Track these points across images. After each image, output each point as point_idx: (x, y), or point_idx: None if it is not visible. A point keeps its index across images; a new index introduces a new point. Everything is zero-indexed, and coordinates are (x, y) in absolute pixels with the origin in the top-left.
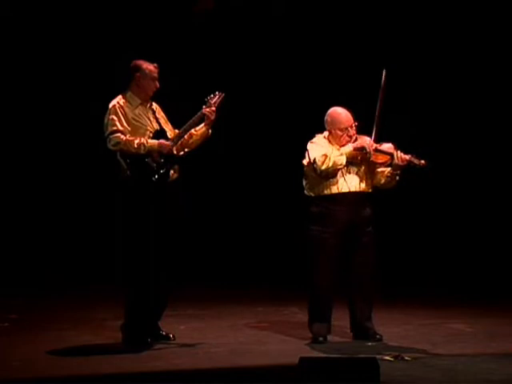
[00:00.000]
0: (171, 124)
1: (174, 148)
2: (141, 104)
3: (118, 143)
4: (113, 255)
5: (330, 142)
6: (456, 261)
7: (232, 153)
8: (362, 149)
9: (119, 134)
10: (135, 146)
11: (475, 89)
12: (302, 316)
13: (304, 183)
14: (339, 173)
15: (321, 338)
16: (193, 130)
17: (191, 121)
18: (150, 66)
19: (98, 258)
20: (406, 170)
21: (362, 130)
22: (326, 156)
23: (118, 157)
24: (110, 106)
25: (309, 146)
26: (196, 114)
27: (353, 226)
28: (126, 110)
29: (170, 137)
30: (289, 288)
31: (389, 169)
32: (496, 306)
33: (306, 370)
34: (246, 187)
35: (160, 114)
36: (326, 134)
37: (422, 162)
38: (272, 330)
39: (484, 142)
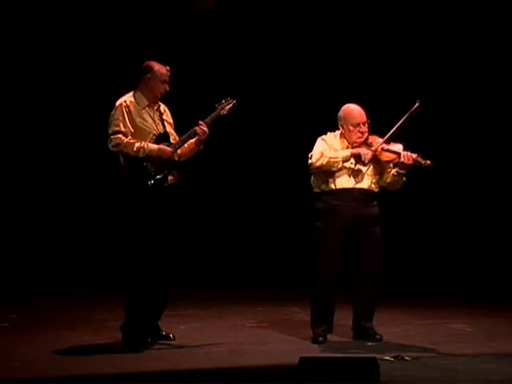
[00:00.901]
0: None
1: (175, 154)
2: (148, 105)
3: (119, 144)
4: (113, 255)
5: (340, 139)
6: (456, 261)
7: (232, 153)
8: (358, 156)
9: (120, 136)
10: (135, 149)
11: (482, 89)
12: (303, 316)
13: (311, 180)
14: (345, 169)
15: (321, 338)
16: (185, 145)
17: (187, 134)
18: (161, 69)
19: (97, 258)
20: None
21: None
22: (322, 154)
23: (118, 158)
24: (118, 103)
25: (317, 141)
26: (196, 113)
27: (357, 224)
28: (132, 109)
29: (173, 141)
30: (289, 288)
31: (396, 168)
32: (496, 306)
33: (306, 369)
34: (246, 187)
35: (167, 117)
36: (337, 132)
37: (428, 162)
38: (272, 329)
39: (487, 144)
